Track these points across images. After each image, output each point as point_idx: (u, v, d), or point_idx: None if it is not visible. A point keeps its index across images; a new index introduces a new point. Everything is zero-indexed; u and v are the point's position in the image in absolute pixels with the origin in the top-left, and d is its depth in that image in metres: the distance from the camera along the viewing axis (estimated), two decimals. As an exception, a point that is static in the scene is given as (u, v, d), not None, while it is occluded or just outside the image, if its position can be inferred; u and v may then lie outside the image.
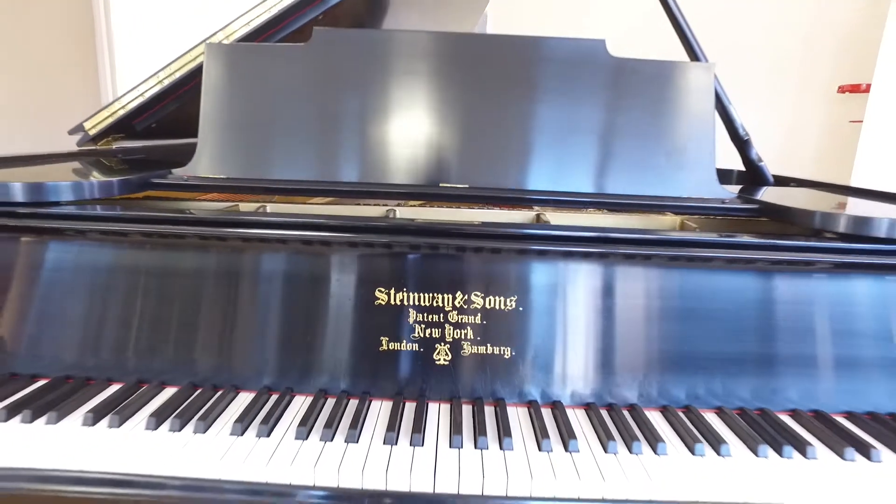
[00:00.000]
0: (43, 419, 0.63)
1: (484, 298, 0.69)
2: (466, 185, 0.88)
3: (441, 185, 0.88)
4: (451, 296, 0.69)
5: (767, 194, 0.95)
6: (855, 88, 2.01)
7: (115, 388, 0.70)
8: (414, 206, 0.96)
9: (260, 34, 1.05)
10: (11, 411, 0.63)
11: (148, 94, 1.10)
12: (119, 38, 3.03)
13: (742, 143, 1.20)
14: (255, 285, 0.72)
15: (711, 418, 0.68)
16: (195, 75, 1.02)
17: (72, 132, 1.13)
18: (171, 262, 0.73)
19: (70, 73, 4.24)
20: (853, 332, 0.71)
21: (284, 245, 0.71)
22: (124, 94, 1.11)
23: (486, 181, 0.88)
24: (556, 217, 0.92)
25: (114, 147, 1.22)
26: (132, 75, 2.94)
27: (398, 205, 0.94)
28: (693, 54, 1.06)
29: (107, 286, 0.73)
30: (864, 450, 0.62)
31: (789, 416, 0.70)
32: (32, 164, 0.93)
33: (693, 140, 0.91)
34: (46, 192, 0.72)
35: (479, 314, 0.69)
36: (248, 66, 0.90)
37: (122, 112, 1.12)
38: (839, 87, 2.11)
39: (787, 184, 1.20)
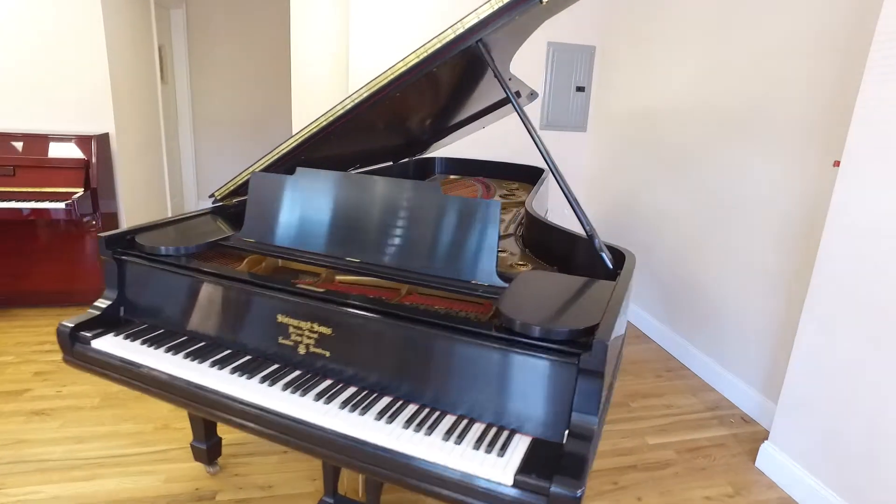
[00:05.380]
0: (154, 347, 1.55)
1: (320, 326, 1.43)
2: (359, 260, 1.61)
3: (346, 258, 1.63)
4: (308, 323, 1.45)
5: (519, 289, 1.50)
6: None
7: (183, 337, 1.61)
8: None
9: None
10: (130, 338, 1.57)
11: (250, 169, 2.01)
12: (297, 64, 4.18)
13: (589, 237, 1.70)
14: (236, 303, 1.56)
15: (409, 407, 1.33)
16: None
17: (210, 197, 2.11)
18: (212, 288, 1.60)
19: (272, 89, 5.80)
20: (507, 384, 1.29)
21: (254, 290, 1.54)
22: (241, 173, 2.03)
23: (370, 259, 1.60)
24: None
25: (232, 202, 2.18)
26: (307, 90, 4.25)
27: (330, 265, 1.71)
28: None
29: (184, 292, 1.63)
30: (481, 444, 1.24)
31: (456, 417, 1.32)
32: (177, 223, 1.89)
33: (481, 246, 1.51)
34: (162, 251, 1.65)
35: (317, 333, 1.44)
36: (267, 186, 1.74)
37: (233, 187, 2.06)
38: (834, 162, 2.26)
39: (616, 272, 1.66)
